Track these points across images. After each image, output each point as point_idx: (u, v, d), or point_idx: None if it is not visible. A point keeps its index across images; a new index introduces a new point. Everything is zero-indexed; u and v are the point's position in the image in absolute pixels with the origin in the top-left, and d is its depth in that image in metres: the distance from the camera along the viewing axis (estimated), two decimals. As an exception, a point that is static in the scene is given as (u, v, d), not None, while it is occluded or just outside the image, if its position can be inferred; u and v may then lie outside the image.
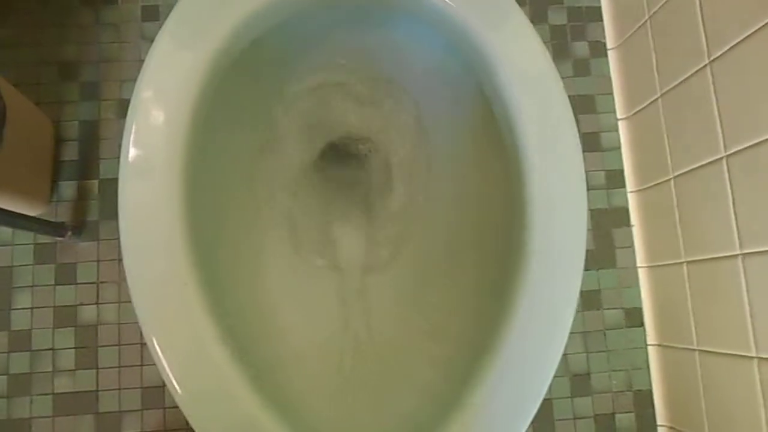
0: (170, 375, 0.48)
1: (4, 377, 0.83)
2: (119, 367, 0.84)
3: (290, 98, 0.75)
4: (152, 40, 0.89)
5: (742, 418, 0.70)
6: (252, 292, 0.67)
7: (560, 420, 0.87)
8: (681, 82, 0.78)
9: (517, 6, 0.55)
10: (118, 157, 0.52)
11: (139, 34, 0.94)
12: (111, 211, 0.88)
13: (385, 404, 0.61)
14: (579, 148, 0.52)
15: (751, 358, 0.68)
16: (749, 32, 0.64)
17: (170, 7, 0.93)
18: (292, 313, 0.68)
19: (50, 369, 0.84)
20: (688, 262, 0.79)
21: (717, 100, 0.71)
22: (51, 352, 0.84)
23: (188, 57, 0.53)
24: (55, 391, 0.83)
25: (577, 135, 0.53)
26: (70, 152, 0.90)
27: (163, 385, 0.84)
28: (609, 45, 0.98)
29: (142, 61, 0.91)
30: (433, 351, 0.65)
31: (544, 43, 0.97)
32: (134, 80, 0.53)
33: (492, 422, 0.48)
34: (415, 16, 0.59)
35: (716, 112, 0.71)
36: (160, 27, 0.92)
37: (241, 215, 0.70)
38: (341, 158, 0.79)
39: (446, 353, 0.63)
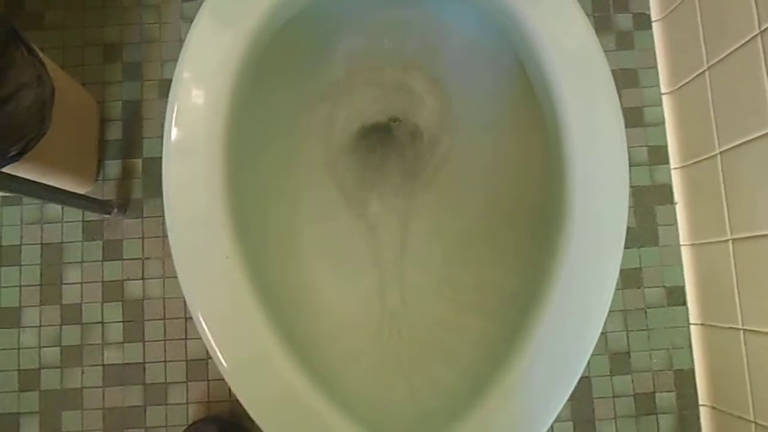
0: (214, 346, 0.49)
1: (57, 348, 0.87)
2: (165, 340, 0.87)
3: (326, 75, 0.75)
4: (192, 21, 0.91)
5: (789, 399, 0.69)
6: (291, 264, 0.68)
7: (599, 398, 0.87)
8: (729, 53, 0.75)
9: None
10: (161, 137, 0.53)
11: (179, 14, 0.95)
12: (155, 190, 0.90)
13: (420, 378, 0.62)
14: (621, 123, 0.51)
15: (799, 338, 0.66)
16: (804, -1, 0.61)
17: (209, -13, 0.95)
18: (330, 286, 0.70)
19: (99, 341, 0.87)
20: (734, 240, 0.77)
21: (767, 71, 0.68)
22: (100, 325, 0.88)
23: (227, 37, 0.54)
24: (105, 363, 0.87)
25: (620, 110, 0.52)
26: (115, 132, 0.92)
27: (207, 358, 0.86)
28: (653, 17, 0.95)
29: (182, 41, 0.92)
30: (468, 326, 0.65)
31: (586, 16, 0.95)
32: (175, 60, 0.54)
33: (529, 399, 0.48)
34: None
35: (767, 85, 0.68)
36: (199, 7, 0.94)
37: (280, 191, 0.71)
38: (378, 136, 0.79)
39: (482, 329, 0.63)
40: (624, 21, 0.95)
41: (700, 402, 0.87)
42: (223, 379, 0.49)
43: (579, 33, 0.52)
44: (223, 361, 0.49)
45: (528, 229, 0.63)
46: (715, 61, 0.79)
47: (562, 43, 0.52)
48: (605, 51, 0.94)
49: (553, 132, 0.52)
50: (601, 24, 0.95)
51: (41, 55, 0.71)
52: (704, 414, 0.87)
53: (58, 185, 0.78)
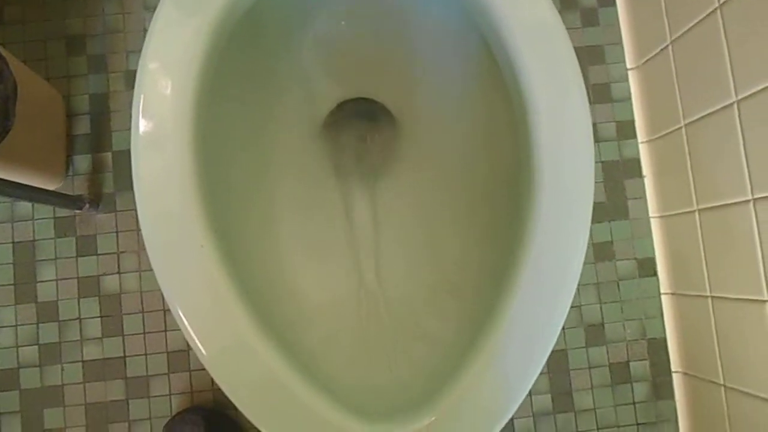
0: (194, 336, 0.49)
1: (35, 347, 0.87)
2: (144, 333, 0.87)
3: (295, 60, 0.75)
4: (155, 10, 0.90)
5: (755, 360, 0.71)
6: (267, 250, 0.68)
7: (575, 369, 0.89)
8: (691, 27, 0.77)
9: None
10: (130, 129, 0.53)
11: (142, 4, 0.94)
12: (126, 183, 0.89)
13: (400, 358, 0.63)
14: (584, 92, 0.52)
15: (764, 301, 0.68)
16: (759, -28, 0.63)
17: (171, -25, 0.93)
18: (306, 271, 0.70)
19: (78, 338, 0.87)
20: (701, 210, 0.79)
21: (728, 45, 0.70)
22: (78, 321, 0.87)
23: (191, 25, 0.53)
24: (85, 359, 0.87)
25: (581, 77, 0.53)
26: (83, 126, 0.91)
27: (188, 349, 0.86)
28: (617, -7, 0.96)
29: (146, 31, 0.92)
30: (446, 303, 0.66)
31: (551, -7, 0.96)
32: (140, 51, 0.54)
33: (505, 371, 0.49)
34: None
35: (727, 57, 0.70)
36: (162, -4, 0.93)
37: (252, 177, 0.71)
38: (350, 119, 0.80)
39: (459, 306, 0.64)
40: (588, -2, 0.96)
41: (673, 369, 0.90)
42: (204, 369, 0.50)
43: (539, 8, 0.53)
44: (202, 351, 0.49)
45: (501, 206, 0.64)
46: (677, 35, 0.80)
47: (523, 19, 0.53)
48: (571, 28, 0.95)
49: (519, 106, 0.53)
50: (566, 2, 0.96)
51: (1, 50, 0.70)
52: (677, 380, 0.89)
53: (26, 182, 0.77)
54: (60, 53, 0.93)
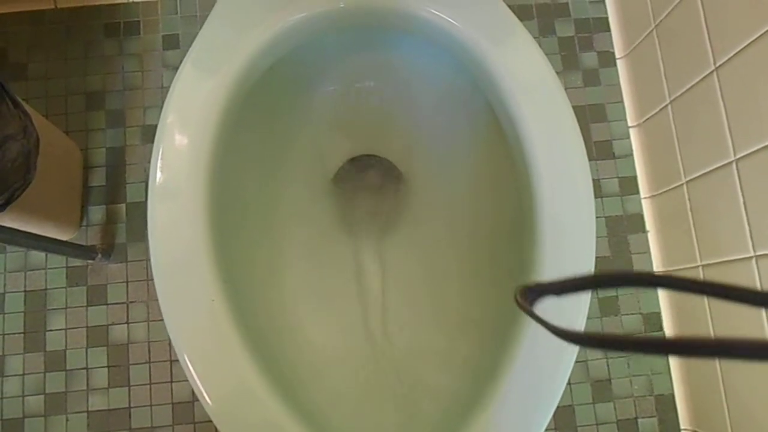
0: (200, 385, 0.50)
1: (41, 396, 0.87)
2: (150, 384, 0.87)
3: (306, 118, 0.78)
4: (173, 68, 0.93)
5: (764, 420, 0.71)
6: (276, 303, 0.69)
7: (583, 426, 0.88)
8: (689, 88, 0.79)
9: (519, 23, 0.57)
10: (144, 181, 0.55)
11: (160, 62, 0.98)
12: (138, 234, 0.91)
13: (407, 412, 0.63)
14: (582, 147, 0.54)
15: (770, 358, 0.68)
16: (752, 38, 0.65)
17: (190, 36, 0.98)
18: (314, 323, 0.71)
19: (84, 387, 0.87)
20: (704, 266, 0.80)
21: (725, 105, 0.72)
22: (85, 371, 0.87)
23: (210, 84, 0.56)
24: (90, 409, 0.86)
25: (581, 136, 0.54)
26: (98, 178, 0.94)
27: (193, 400, 0.86)
28: (617, 54, 1.00)
29: (164, 87, 0.96)
30: (453, 357, 0.67)
31: (554, 54, 0.99)
32: (157, 107, 0.57)
33: (509, 426, 0.49)
34: (422, 36, 0.62)
35: (724, 117, 0.72)
36: (180, 55, 0.97)
37: (264, 230, 0.73)
38: (359, 175, 0.82)
39: (463, 360, 0.64)
40: (590, 59, 1.00)
41: (682, 426, 0.88)
42: (209, 421, 0.50)
43: (539, 71, 0.56)
44: (208, 399, 0.50)
45: (505, 262, 0.65)
46: (676, 95, 0.83)
47: (524, 82, 0.55)
48: (573, 88, 0.98)
49: (521, 164, 0.55)
50: (568, 62, 1.00)
51: (26, 106, 0.73)
52: (686, 438, 0.88)
53: (41, 233, 0.78)
54: (80, 108, 0.96)
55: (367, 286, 0.75)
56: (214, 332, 0.51)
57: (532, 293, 0.17)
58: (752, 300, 0.13)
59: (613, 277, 0.16)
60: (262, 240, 0.72)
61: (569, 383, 0.88)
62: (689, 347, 0.13)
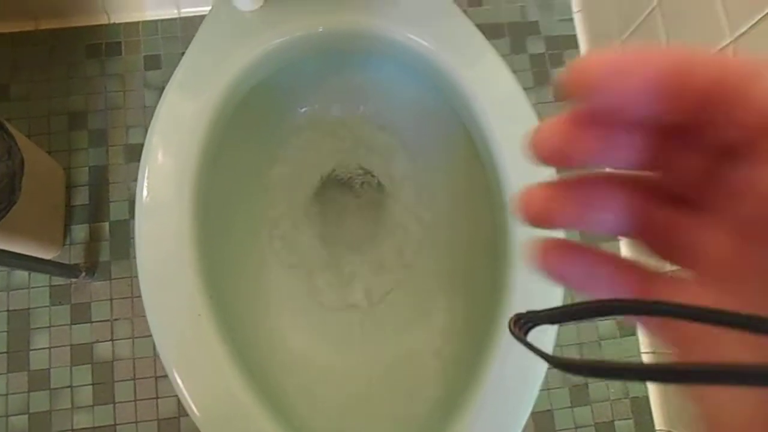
0: (189, 400, 0.51)
1: (25, 416, 0.87)
2: (135, 400, 0.88)
3: (288, 139, 0.80)
4: (155, 88, 0.95)
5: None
6: (262, 318, 0.71)
7: (562, 430, 0.90)
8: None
9: (489, 45, 0.60)
10: (127, 200, 0.56)
11: (142, 82, 0.99)
12: (122, 252, 0.92)
13: (391, 421, 0.65)
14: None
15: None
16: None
17: (171, 56, 1.00)
18: (300, 337, 0.72)
19: (69, 406, 0.87)
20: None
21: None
22: (69, 389, 0.88)
23: (194, 106, 0.58)
24: (75, 427, 0.87)
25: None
26: (82, 197, 0.95)
27: (179, 416, 0.87)
28: (587, 69, 1.03)
29: (147, 107, 0.97)
30: (435, 369, 0.68)
31: (525, 71, 1.03)
32: (140, 126, 0.58)
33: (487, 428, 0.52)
34: (397, 59, 0.65)
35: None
36: (161, 75, 0.99)
37: (248, 246, 0.74)
38: (341, 190, 0.84)
39: (441, 368, 0.67)
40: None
41: (657, 427, 0.91)
42: (196, 435, 0.51)
43: (507, 89, 0.59)
44: (197, 413, 0.51)
45: (482, 273, 0.67)
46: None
47: (493, 99, 0.58)
48: (545, 102, 1.02)
49: (492, 175, 0.57)
50: (540, 78, 1.03)
51: (10, 128, 0.74)
52: (661, 439, 0.91)
53: (25, 252, 0.79)
54: (62, 128, 0.97)
55: (352, 296, 0.77)
56: (201, 346, 0.52)
57: (525, 322, 0.17)
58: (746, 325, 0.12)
59: (612, 307, 0.15)
60: (246, 255, 0.74)
61: (548, 388, 0.91)
62: (694, 374, 0.12)
